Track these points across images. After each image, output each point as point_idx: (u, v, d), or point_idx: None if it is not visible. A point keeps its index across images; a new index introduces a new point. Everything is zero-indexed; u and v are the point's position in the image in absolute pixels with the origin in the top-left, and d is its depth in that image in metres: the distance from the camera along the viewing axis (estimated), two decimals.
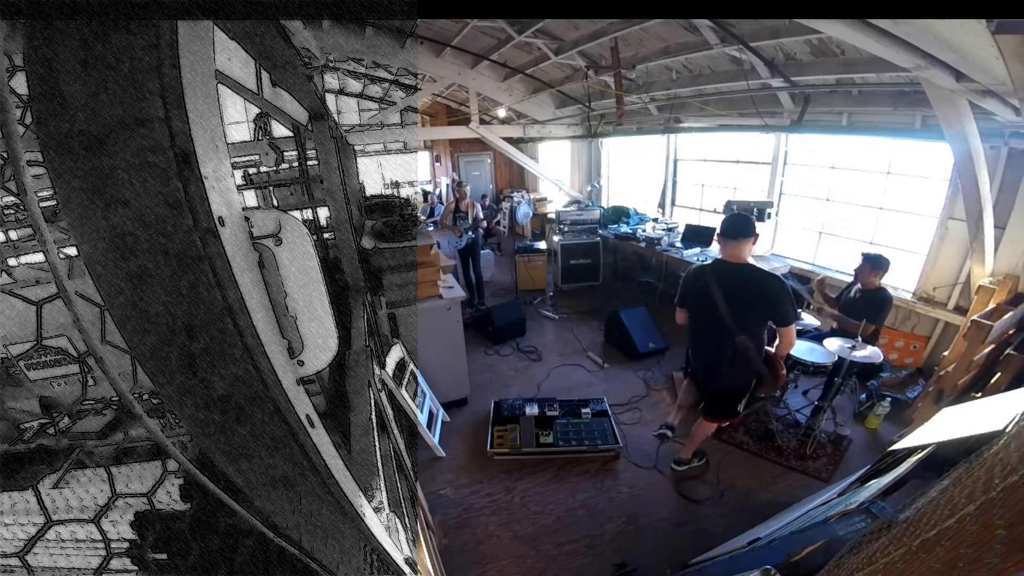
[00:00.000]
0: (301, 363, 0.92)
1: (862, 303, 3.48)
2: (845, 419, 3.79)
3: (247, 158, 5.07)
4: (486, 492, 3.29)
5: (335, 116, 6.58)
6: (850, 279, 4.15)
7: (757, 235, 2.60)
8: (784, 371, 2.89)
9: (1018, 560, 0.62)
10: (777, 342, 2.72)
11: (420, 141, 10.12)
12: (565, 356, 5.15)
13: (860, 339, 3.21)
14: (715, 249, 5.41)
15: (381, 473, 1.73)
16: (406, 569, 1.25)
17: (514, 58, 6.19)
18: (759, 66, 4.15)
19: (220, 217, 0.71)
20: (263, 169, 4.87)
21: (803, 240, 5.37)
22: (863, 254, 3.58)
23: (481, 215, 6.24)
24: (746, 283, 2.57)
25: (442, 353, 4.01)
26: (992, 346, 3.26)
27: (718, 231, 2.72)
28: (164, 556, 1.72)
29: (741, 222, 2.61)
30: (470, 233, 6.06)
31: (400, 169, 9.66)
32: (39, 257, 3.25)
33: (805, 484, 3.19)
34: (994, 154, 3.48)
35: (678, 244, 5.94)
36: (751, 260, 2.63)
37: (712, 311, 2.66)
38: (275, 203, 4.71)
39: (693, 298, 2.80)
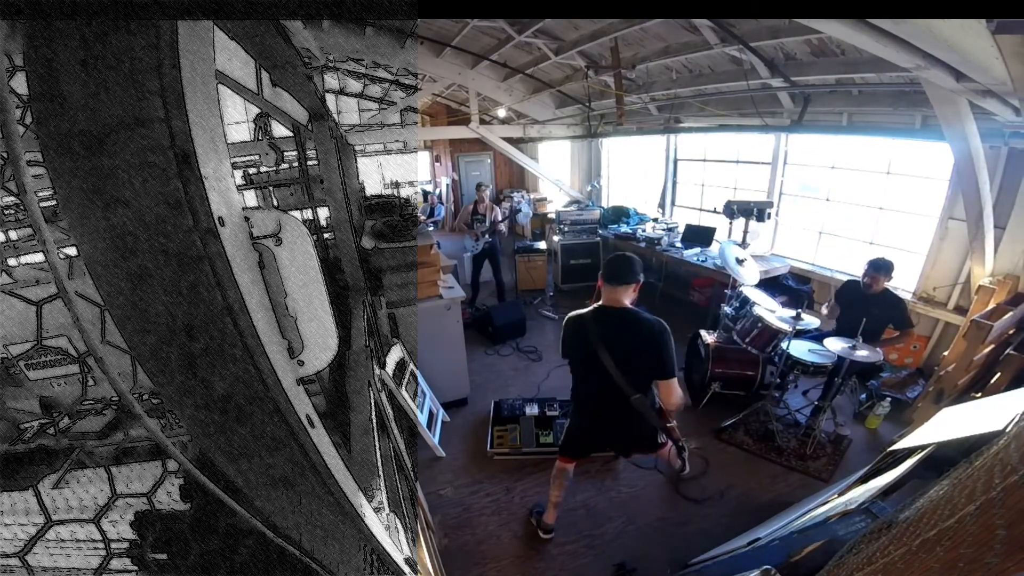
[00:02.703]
0: (301, 363, 0.92)
1: (879, 310, 3.44)
2: (845, 419, 3.79)
3: (247, 158, 5.07)
4: (486, 492, 3.29)
5: (335, 116, 6.57)
6: (848, 278, 4.16)
7: (639, 281, 2.27)
8: (675, 428, 2.55)
9: (1018, 560, 0.62)
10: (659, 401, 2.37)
11: (420, 141, 10.11)
12: None
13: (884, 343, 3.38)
14: (715, 249, 5.41)
15: (381, 473, 1.74)
16: (406, 569, 1.25)
17: (514, 58, 6.19)
18: (759, 66, 4.15)
19: (220, 217, 0.71)
20: (263, 169, 4.87)
21: (803, 240, 5.37)
22: (869, 262, 3.53)
23: (499, 218, 6.10)
24: (632, 331, 2.22)
25: (442, 353, 4.00)
26: (992, 346, 3.26)
27: (600, 272, 2.37)
28: (164, 556, 1.72)
29: (622, 265, 2.24)
30: (487, 237, 5.96)
31: (400, 169, 9.66)
32: (39, 257, 3.25)
33: (805, 484, 3.19)
34: (994, 154, 3.47)
35: (678, 244, 5.94)
36: (629, 305, 2.28)
37: (597, 367, 2.26)
38: (275, 203, 4.71)
39: (575, 352, 2.41)
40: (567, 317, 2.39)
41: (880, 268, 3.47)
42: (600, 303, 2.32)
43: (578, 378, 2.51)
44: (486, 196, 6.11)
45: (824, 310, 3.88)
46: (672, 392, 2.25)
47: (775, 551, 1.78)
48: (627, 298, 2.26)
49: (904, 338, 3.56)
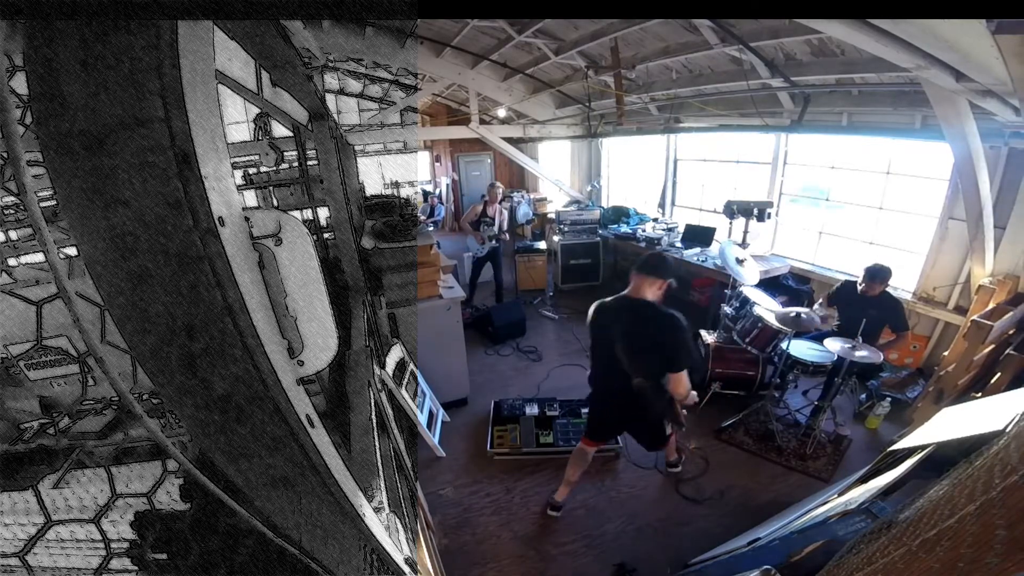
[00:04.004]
0: (301, 363, 0.92)
1: (876, 311, 3.43)
2: (845, 419, 3.79)
3: (247, 158, 5.07)
4: (486, 492, 3.29)
5: (335, 116, 6.57)
6: (845, 278, 4.16)
7: (668, 282, 2.42)
8: (680, 415, 2.59)
9: (1018, 560, 0.62)
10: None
11: (420, 141, 10.11)
12: (565, 356, 5.15)
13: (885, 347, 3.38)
14: (715, 249, 5.41)
15: (381, 473, 1.74)
16: (406, 569, 1.25)
17: (514, 58, 6.19)
18: (759, 66, 4.14)
19: (220, 217, 0.71)
20: (263, 169, 4.88)
21: (803, 240, 5.37)
22: (865, 269, 3.51)
23: (506, 225, 5.84)
24: (645, 321, 2.39)
25: (442, 353, 4.00)
26: (992, 346, 3.26)
27: (635, 265, 2.48)
28: (164, 556, 1.72)
29: (655, 261, 2.45)
30: (494, 242, 5.74)
31: (400, 169, 9.64)
32: (39, 257, 3.26)
33: (805, 484, 3.19)
34: (994, 154, 3.47)
35: (678, 244, 5.94)
36: (650, 299, 2.42)
37: (610, 351, 2.49)
38: (275, 203, 4.71)
39: (594, 334, 2.62)
40: (595, 303, 2.61)
41: (876, 276, 3.45)
42: (624, 292, 2.50)
43: (593, 361, 2.74)
44: (498, 196, 5.78)
45: (820, 311, 3.86)
46: (680, 384, 2.39)
47: (775, 551, 1.78)
48: (650, 292, 2.40)
49: (899, 341, 3.56)
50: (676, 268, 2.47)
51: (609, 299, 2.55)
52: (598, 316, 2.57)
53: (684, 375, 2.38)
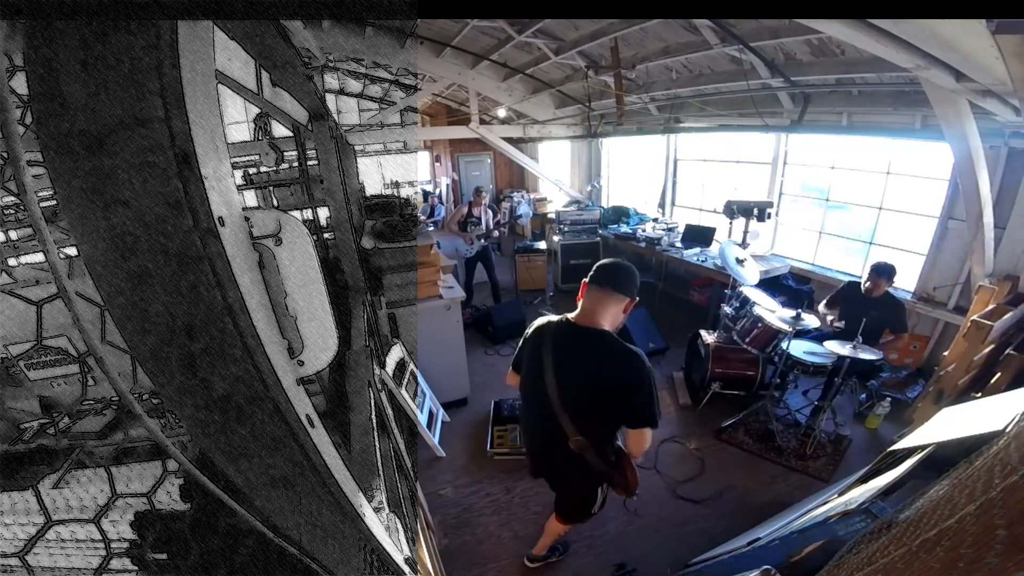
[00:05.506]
0: (301, 363, 0.92)
1: (878, 312, 3.45)
2: (845, 419, 3.79)
3: (247, 158, 5.09)
4: (486, 492, 3.28)
5: (335, 116, 6.56)
6: (847, 279, 4.17)
7: (633, 299, 1.75)
8: (636, 477, 1.93)
9: (1018, 560, 0.62)
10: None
11: (420, 141, 10.11)
12: None
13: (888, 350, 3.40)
14: (715, 249, 5.39)
15: (381, 473, 1.74)
16: (406, 569, 1.25)
17: (514, 58, 6.19)
18: (759, 66, 4.14)
19: (220, 217, 0.71)
20: (263, 169, 4.89)
21: (803, 240, 5.37)
22: (872, 266, 3.57)
23: (492, 224, 6.08)
24: (598, 362, 1.69)
25: (442, 353, 4.00)
26: (992, 346, 3.26)
27: (589, 275, 1.77)
28: (164, 556, 1.72)
29: (621, 270, 1.74)
30: (482, 241, 5.93)
31: (400, 169, 9.65)
32: (39, 257, 3.26)
33: (805, 484, 3.19)
34: (994, 154, 3.47)
35: (678, 244, 5.94)
36: (608, 329, 1.72)
37: (542, 392, 1.77)
38: (275, 203, 4.72)
39: (526, 363, 1.91)
40: (534, 324, 1.92)
41: (882, 272, 3.48)
42: (571, 315, 1.80)
43: (523, 394, 2.00)
44: (484, 200, 6.05)
45: (826, 314, 3.86)
46: (641, 443, 1.77)
47: (775, 551, 1.78)
48: (609, 314, 1.73)
49: (897, 341, 3.57)
50: (639, 281, 1.80)
51: (552, 320, 1.85)
52: (536, 341, 1.84)
53: (648, 433, 1.75)
